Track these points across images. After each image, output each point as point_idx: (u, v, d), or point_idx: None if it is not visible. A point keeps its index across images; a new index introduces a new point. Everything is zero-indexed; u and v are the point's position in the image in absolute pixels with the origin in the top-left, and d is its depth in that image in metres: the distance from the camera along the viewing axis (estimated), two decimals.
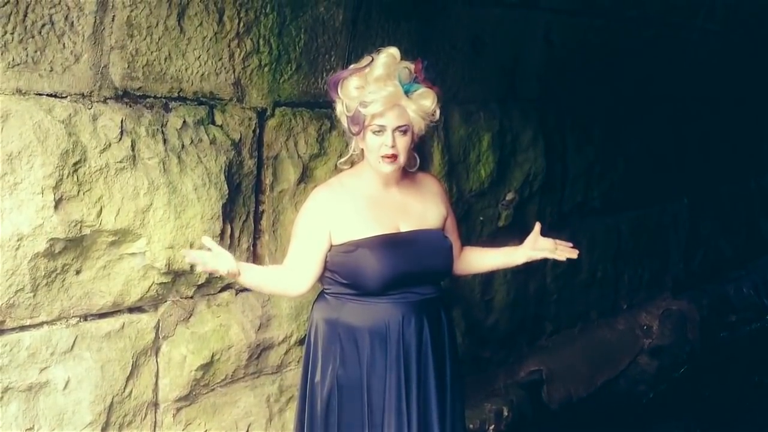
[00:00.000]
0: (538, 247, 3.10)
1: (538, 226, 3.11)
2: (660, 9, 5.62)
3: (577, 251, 3.09)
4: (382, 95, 2.72)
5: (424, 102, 2.79)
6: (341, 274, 2.83)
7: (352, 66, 2.85)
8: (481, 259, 3.22)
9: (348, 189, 2.87)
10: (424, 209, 2.96)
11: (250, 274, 2.81)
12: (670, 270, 6.55)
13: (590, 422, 5.02)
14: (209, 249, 2.67)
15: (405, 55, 2.80)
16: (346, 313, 2.86)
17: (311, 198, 2.89)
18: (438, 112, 2.85)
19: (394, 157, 2.78)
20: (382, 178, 2.88)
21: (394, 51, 2.77)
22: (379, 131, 2.76)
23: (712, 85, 6.51)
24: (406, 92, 2.76)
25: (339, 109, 2.85)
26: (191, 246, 3.00)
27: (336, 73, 2.90)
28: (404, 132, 2.78)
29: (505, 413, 4.62)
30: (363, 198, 2.85)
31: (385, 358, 2.82)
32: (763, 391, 5.63)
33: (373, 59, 2.77)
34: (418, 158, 2.98)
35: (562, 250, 3.09)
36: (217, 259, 2.66)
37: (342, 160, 2.97)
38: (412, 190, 2.96)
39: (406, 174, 2.97)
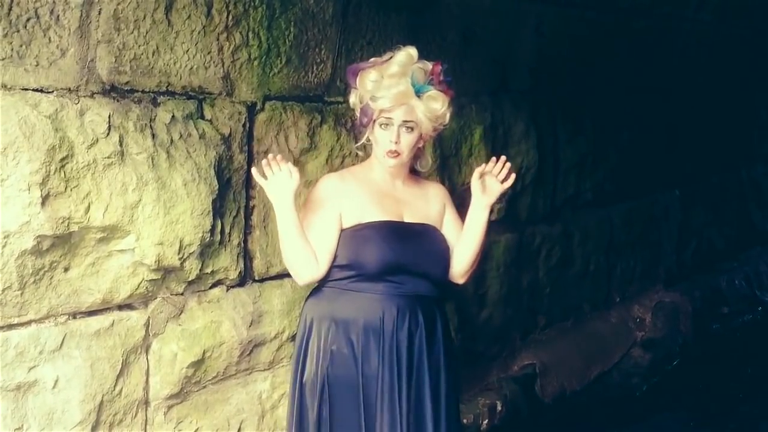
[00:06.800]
0: (487, 191, 2.98)
1: (476, 172, 2.99)
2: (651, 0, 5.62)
3: (507, 162, 2.98)
4: (392, 92, 2.81)
5: (434, 105, 2.86)
6: (342, 255, 2.86)
7: (372, 59, 2.91)
8: (462, 246, 3.03)
9: (356, 176, 2.96)
10: (427, 207, 3.02)
11: (291, 220, 2.81)
12: (663, 262, 6.55)
13: (584, 415, 5.01)
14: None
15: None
16: (341, 306, 2.88)
17: (321, 182, 2.97)
18: (448, 116, 2.92)
19: (397, 153, 2.86)
20: (388, 170, 2.96)
21: (412, 50, 2.86)
22: (386, 125, 2.85)
23: (703, 75, 6.50)
24: (417, 93, 2.84)
25: (353, 99, 2.94)
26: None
27: (356, 63, 3.00)
28: (410, 129, 2.86)
29: (499, 407, 4.62)
30: (370, 186, 2.94)
31: (379, 351, 2.84)
32: (756, 383, 5.63)
33: (392, 56, 2.85)
34: (430, 160, 3.09)
35: (498, 170, 2.97)
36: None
37: (357, 144, 3.03)
38: (417, 190, 3.03)
39: (415, 175, 3.06)
